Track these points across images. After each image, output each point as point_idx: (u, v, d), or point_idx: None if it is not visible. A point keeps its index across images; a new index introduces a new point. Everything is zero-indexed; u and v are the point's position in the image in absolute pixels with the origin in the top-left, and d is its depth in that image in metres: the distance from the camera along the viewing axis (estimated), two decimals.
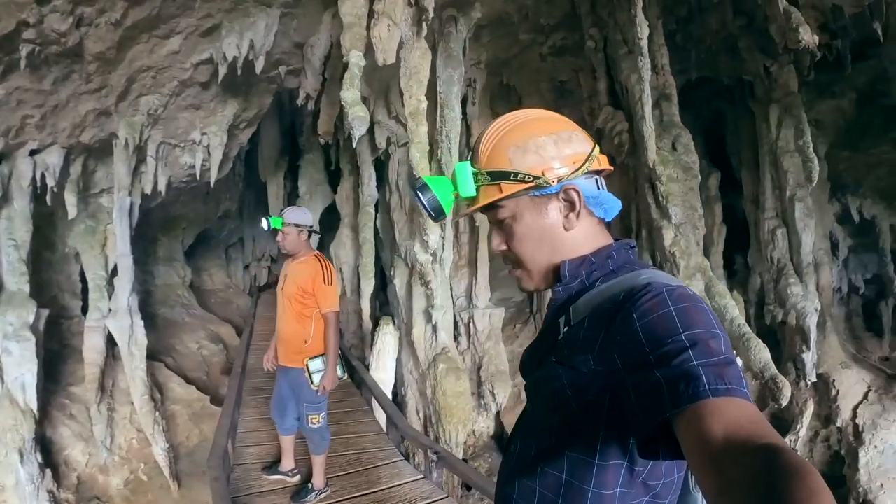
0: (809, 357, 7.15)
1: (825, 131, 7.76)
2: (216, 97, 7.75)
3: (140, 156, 7.55)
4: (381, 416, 6.74)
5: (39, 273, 7.10)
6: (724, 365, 0.69)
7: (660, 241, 6.49)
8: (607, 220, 1.03)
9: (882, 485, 6.75)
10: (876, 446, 6.93)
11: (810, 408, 7.19)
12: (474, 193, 1.02)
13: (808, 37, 5.46)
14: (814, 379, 7.23)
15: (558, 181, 0.95)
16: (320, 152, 11.57)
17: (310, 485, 4.05)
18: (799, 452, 7.34)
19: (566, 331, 0.94)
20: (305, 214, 3.81)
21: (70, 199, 6.91)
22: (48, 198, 6.71)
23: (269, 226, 3.72)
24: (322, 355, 3.69)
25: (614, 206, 1.03)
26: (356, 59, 5.81)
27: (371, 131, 8.59)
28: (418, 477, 4.73)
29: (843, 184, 9.03)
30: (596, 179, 1.00)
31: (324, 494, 4.07)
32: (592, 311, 0.90)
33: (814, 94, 7.74)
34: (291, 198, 13.70)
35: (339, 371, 3.74)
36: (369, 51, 5.91)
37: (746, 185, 8.66)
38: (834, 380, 7.45)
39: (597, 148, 1.01)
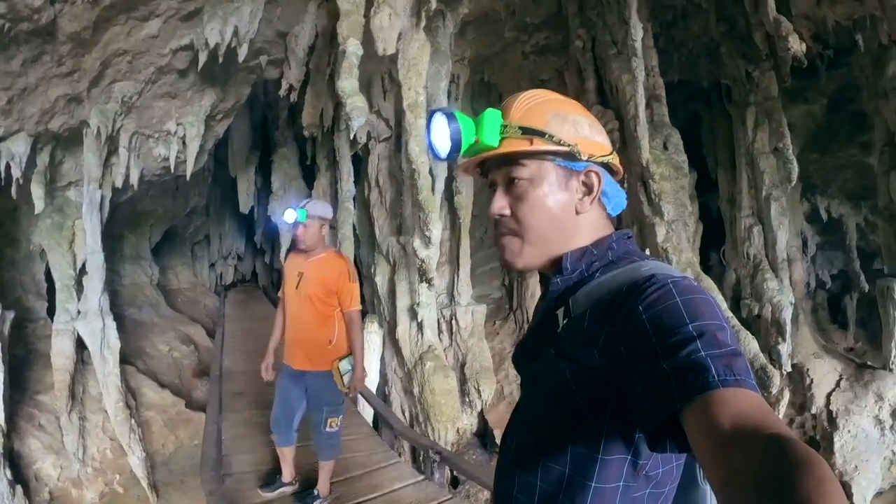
0: (785, 348, 7.37)
1: (797, 135, 8.04)
2: (193, 86, 7.26)
3: (112, 146, 6.97)
4: (366, 416, 6.52)
5: (1, 272, 6.43)
6: (731, 356, 0.68)
7: (652, 237, 6.52)
8: (613, 215, 1.02)
9: (856, 466, 7.04)
10: (849, 431, 7.20)
11: (786, 396, 7.39)
12: (496, 144, 0.94)
13: (797, 45, 5.62)
14: (789, 369, 7.46)
15: (588, 158, 0.93)
16: (294, 147, 11.15)
17: (315, 491, 3.80)
18: None
19: (566, 323, 0.91)
20: (328, 208, 3.57)
21: (37, 191, 6.26)
22: (13, 190, 6.07)
23: (297, 218, 3.41)
24: (349, 355, 3.48)
25: (622, 203, 1.02)
26: (354, 47, 5.58)
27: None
28: (420, 478, 4.53)
29: (813, 184, 9.43)
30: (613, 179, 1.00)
31: (327, 502, 3.84)
32: (595, 304, 0.88)
33: (787, 99, 7.98)
34: (262, 193, 13.17)
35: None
36: (365, 40, 5.69)
37: (722, 185, 8.89)
38: (808, 369, 7.69)
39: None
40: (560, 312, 0.93)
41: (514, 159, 0.95)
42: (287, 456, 3.88)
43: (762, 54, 7.26)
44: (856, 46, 7.01)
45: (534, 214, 0.95)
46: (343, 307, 3.48)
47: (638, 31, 6.33)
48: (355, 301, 3.50)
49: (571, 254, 0.95)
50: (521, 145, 0.93)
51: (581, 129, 0.95)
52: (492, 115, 0.94)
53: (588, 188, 0.95)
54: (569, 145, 0.92)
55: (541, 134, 0.92)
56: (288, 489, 3.95)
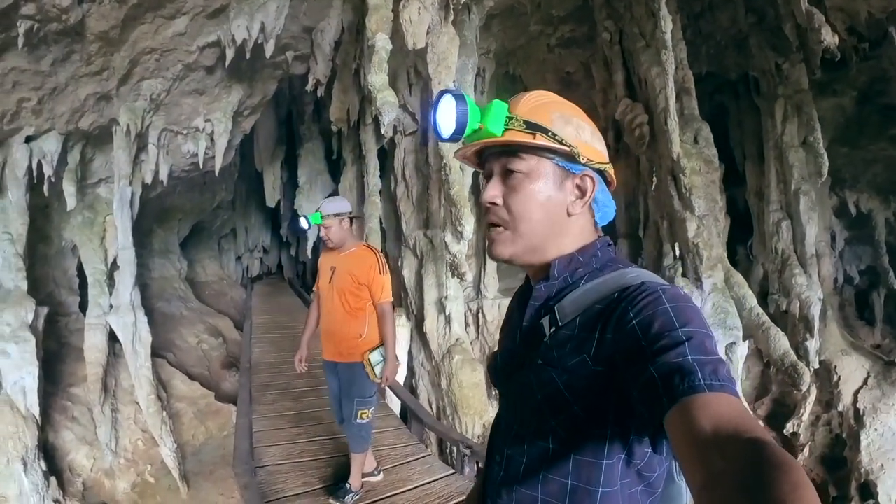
0: (813, 345, 7.07)
1: (825, 128, 7.62)
2: (221, 82, 7.11)
3: (141, 143, 6.85)
4: (394, 408, 6.34)
5: (34, 268, 6.33)
6: (718, 362, 0.68)
7: (682, 232, 6.26)
8: (600, 224, 0.99)
9: (882, 465, 6.72)
10: (876, 429, 6.89)
11: (813, 393, 7.11)
12: (500, 133, 0.91)
13: (830, 38, 5.36)
14: (816, 366, 7.15)
15: (586, 162, 0.92)
16: (320, 141, 10.98)
17: (347, 485, 3.63)
18: (801, 436, 7.29)
19: (553, 332, 0.89)
20: (343, 202, 3.44)
21: (69, 188, 6.18)
22: (45, 188, 5.97)
23: (309, 224, 3.42)
24: (379, 347, 3.41)
25: (610, 214, 1.00)
26: (383, 42, 5.36)
27: (376, 119, 8.16)
28: (450, 472, 4.34)
29: (842, 178, 9.00)
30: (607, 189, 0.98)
31: (358, 496, 3.66)
32: (584, 312, 0.86)
33: (815, 91, 7.61)
34: (288, 188, 13.03)
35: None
36: (394, 34, 5.47)
37: (750, 178, 8.54)
38: (835, 366, 7.38)
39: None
40: (545, 321, 0.91)
41: (513, 151, 0.93)
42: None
43: (792, 46, 6.92)
44: (886, 38, 6.65)
45: (525, 206, 0.92)
46: (374, 299, 3.39)
47: (668, 24, 6.01)
48: (386, 293, 3.39)
49: (560, 261, 0.93)
50: (524, 138, 0.90)
51: (583, 133, 0.93)
52: (499, 106, 0.92)
53: (582, 192, 0.93)
54: (570, 146, 0.90)
55: (544, 130, 0.90)
56: (373, 479, 3.95)
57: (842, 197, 9.21)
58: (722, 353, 6.16)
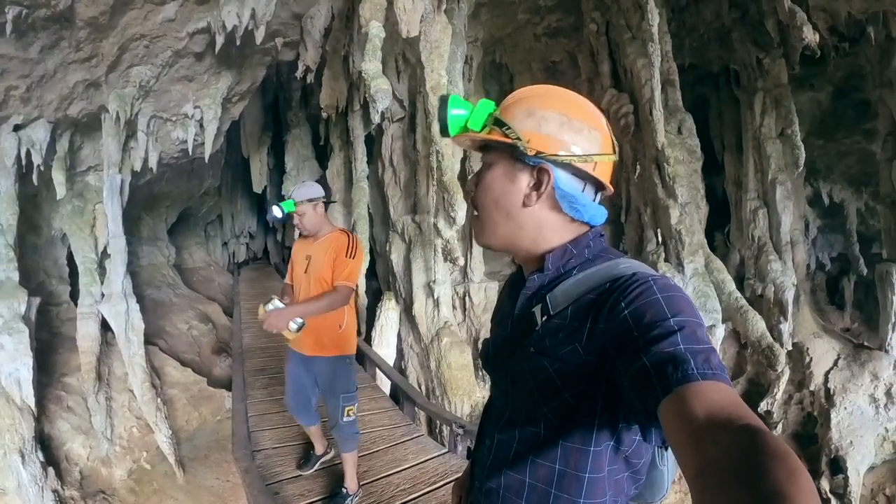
0: (786, 327, 7.34)
1: (802, 120, 7.79)
2: (210, 69, 6.97)
3: (130, 131, 6.69)
4: (384, 388, 6.40)
5: (24, 258, 6.18)
6: (710, 351, 0.68)
7: (666, 219, 6.39)
8: (583, 220, 0.95)
9: (851, 442, 7.03)
10: (845, 408, 7.18)
11: (786, 373, 7.34)
12: (478, 129, 0.95)
13: (811, 36, 5.48)
14: (790, 347, 7.42)
15: (535, 154, 0.90)
16: (307, 127, 10.85)
17: (344, 489, 3.41)
18: (775, 414, 7.55)
19: (545, 321, 0.89)
20: (315, 187, 3.17)
21: (58, 177, 6.02)
22: (34, 177, 5.81)
23: (283, 213, 3.14)
24: (293, 304, 2.93)
25: (591, 210, 0.94)
26: (376, 30, 5.34)
27: (364, 106, 8.08)
28: (443, 451, 4.41)
29: (816, 169, 9.25)
30: (585, 185, 0.93)
31: (359, 496, 3.48)
32: (576, 301, 0.87)
33: (793, 85, 7.78)
34: (274, 174, 12.87)
35: (292, 326, 2.80)
36: (385, 22, 5.43)
37: (728, 168, 8.73)
38: (807, 348, 7.64)
39: (604, 159, 0.92)
40: (537, 310, 0.91)
41: (486, 145, 0.97)
42: (315, 433, 3.70)
43: (773, 42, 7.05)
44: (863, 36, 6.83)
45: (482, 196, 0.96)
46: (334, 279, 3.03)
47: (655, 17, 6.07)
48: (346, 275, 3.00)
49: (553, 254, 0.93)
50: (492, 136, 0.93)
51: (546, 126, 0.90)
52: (484, 106, 0.95)
53: (537, 184, 0.92)
54: (517, 139, 0.90)
55: (501, 125, 0.92)
56: (325, 457, 3.85)
57: (816, 187, 9.48)
58: None
